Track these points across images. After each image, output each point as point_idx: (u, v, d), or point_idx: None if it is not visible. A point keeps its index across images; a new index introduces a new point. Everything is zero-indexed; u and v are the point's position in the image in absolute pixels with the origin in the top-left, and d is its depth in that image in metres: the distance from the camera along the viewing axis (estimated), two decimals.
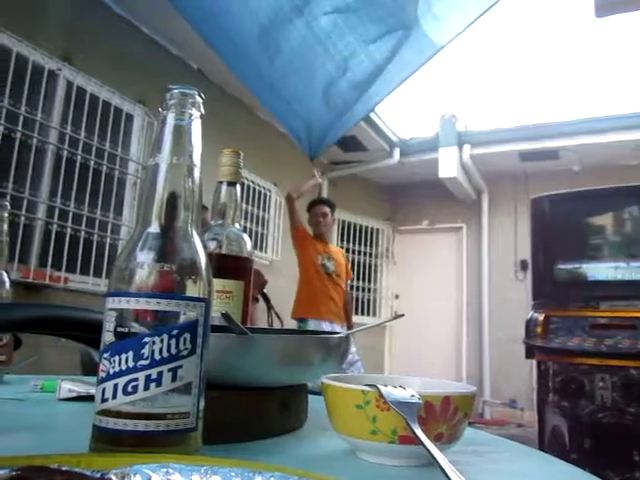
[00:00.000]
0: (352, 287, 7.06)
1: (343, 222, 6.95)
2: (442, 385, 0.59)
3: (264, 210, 5.65)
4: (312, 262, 3.86)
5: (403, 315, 0.78)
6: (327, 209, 3.95)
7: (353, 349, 3.67)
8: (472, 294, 6.80)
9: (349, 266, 4.02)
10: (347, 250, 6.89)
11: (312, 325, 3.74)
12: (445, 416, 0.51)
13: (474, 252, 6.89)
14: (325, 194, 6.62)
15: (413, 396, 0.51)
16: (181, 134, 0.49)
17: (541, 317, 2.56)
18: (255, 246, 5.39)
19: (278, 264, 5.70)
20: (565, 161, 5.99)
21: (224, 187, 0.93)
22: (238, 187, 0.94)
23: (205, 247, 0.59)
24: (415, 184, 7.06)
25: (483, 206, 6.88)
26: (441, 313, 6.87)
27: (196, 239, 0.49)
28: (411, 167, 6.60)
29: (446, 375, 6.42)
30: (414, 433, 0.48)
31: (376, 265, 7.21)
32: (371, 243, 7.17)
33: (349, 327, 3.87)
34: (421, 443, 0.47)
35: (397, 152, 6.44)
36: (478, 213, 6.91)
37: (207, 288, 0.48)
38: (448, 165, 6.10)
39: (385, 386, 0.52)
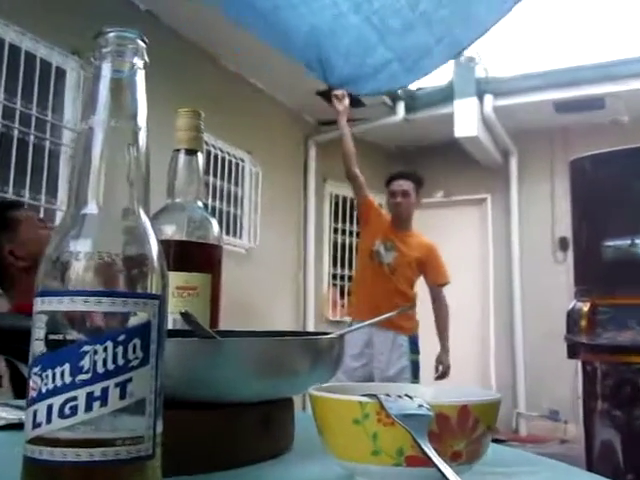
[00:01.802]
0: (350, 277, 7.11)
1: (336, 197, 6.95)
2: (458, 392, 0.60)
3: (236, 185, 5.63)
4: (367, 244, 3.91)
5: (409, 307, 0.79)
6: (409, 185, 3.93)
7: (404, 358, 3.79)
8: (500, 281, 6.85)
9: (440, 269, 3.94)
10: (342, 232, 6.91)
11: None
12: (463, 430, 0.52)
13: (501, 229, 6.93)
14: (312, 162, 6.62)
15: (422, 407, 0.52)
16: (120, 90, 0.49)
17: (586, 307, 2.57)
18: (226, 230, 5.39)
19: (257, 253, 5.71)
20: (611, 111, 6.01)
21: (181, 156, 0.93)
22: (200, 156, 0.94)
23: (159, 232, 0.59)
24: (425, 147, 7.07)
25: (511, 171, 6.91)
26: (462, 305, 6.88)
27: (145, 222, 0.49)
28: (420, 125, 6.59)
29: (469, 382, 6.48)
30: (424, 453, 0.49)
31: None
32: None
33: (443, 346, 3.95)
34: (433, 465, 0.47)
35: (402, 107, 6.43)
36: (505, 181, 6.94)
37: (161, 282, 0.49)
38: (466, 121, 6.10)
39: (388, 396, 0.53)
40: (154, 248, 0.49)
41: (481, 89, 6.18)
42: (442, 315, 3.96)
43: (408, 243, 3.87)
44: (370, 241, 3.88)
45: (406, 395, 0.54)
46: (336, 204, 7.00)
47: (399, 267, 3.82)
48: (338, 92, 4.00)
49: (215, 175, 5.35)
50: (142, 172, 0.50)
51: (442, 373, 3.94)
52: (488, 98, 6.18)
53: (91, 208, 0.48)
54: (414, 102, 6.47)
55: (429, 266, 3.90)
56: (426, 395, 0.59)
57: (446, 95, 6.24)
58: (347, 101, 4.05)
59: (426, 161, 7.16)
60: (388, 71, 3.42)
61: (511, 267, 6.81)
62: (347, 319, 4.16)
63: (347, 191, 6.97)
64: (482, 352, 6.88)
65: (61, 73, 4.13)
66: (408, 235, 3.91)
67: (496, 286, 6.90)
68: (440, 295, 3.96)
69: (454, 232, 7.14)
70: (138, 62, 0.50)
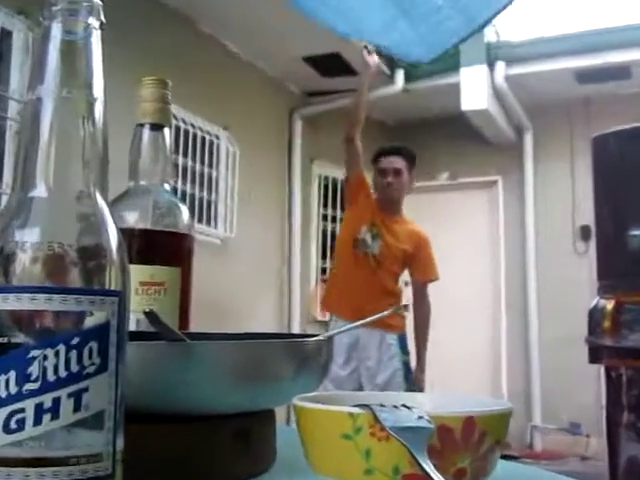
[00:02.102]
0: None
1: (325, 180, 6.96)
2: (463, 401, 0.60)
3: (210, 165, 5.62)
4: (352, 230, 3.88)
5: (407, 307, 0.80)
6: (402, 163, 3.87)
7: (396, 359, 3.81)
8: (513, 275, 6.89)
9: (431, 263, 3.93)
10: (333, 219, 6.92)
11: (332, 326, 3.82)
12: (468, 445, 0.52)
13: (515, 216, 6.96)
14: (298, 140, 6.61)
15: (422, 418, 0.52)
16: (73, 54, 0.49)
17: (610, 305, 2.58)
18: (199, 218, 5.38)
19: (233, 243, 5.71)
20: (639, 81, 6.03)
21: (145, 132, 0.93)
22: (167, 132, 0.94)
23: (120, 219, 0.59)
24: (428, 122, 7.07)
25: (526, 150, 6.93)
26: (469, 303, 6.95)
27: (103, 207, 0.49)
28: (421, 97, 6.59)
29: (477, 390, 6.52)
30: (424, 470, 0.49)
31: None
32: None
33: (419, 359, 3.93)
34: None
35: (401, 76, 6.43)
36: (519, 160, 6.96)
37: (122, 277, 0.49)
38: (474, 92, 6.11)
39: (382, 406, 0.53)
40: (113, 238, 0.49)
41: (491, 55, 6.19)
42: (424, 318, 3.91)
43: (396, 232, 3.84)
44: (355, 226, 3.84)
45: (403, 405, 0.55)
46: (325, 187, 7.00)
47: (385, 260, 3.79)
48: (369, 45, 3.99)
49: (185, 154, 5.34)
50: (99, 150, 0.49)
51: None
52: (500, 66, 6.18)
53: (40, 191, 0.47)
54: (415, 70, 6.46)
55: (418, 260, 3.87)
56: (426, 405, 0.60)
57: (451, 62, 6.23)
58: (376, 57, 4.03)
59: (429, 138, 7.16)
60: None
61: (525, 259, 6.84)
62: (327, 316, 4.14)
63: (338, 173, 6.97)
64: (492, 355, 6.92)
65: (6, 35, 4.10)
66: (396, 221, 3.88)
67: (508, 281, 6.93)
68: (425, 293, 3.94)
69: (460, 219, 7.16)
70: (93, 22, 0.50)
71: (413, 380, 3.87)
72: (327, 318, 4.10)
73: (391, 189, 3.82)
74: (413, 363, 3.91)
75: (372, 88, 6.46)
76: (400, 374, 3.79)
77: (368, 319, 0.82)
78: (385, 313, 0.80)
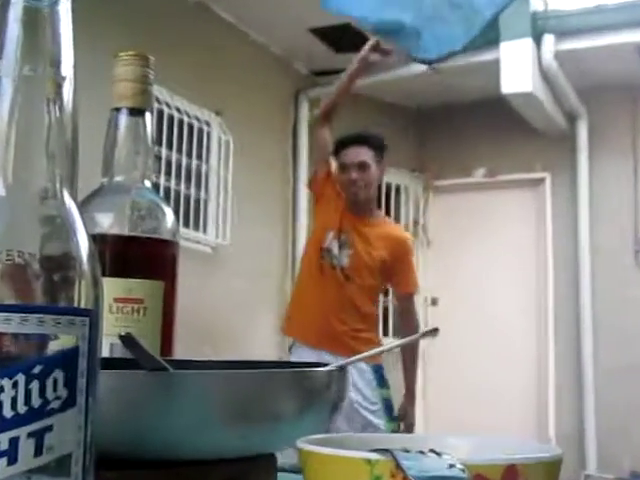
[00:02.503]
0: None
1: None
2: (501, 445, 0.60)
3: (199, 158, 5.64)
4: (317, 237, 3.91)
5: (437, 331, 0.79)
6: (367, 154, 3.85)
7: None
8: (563, 293, 6.87)
9: (411, 272, 3.94)
10: None
11: (294, 354, 3.82)
12: None
13: (565, 222, 6.94)
14: (304, 127, 6.62)
15: (453, 467, 0.52)
16: (37, 24, 0.49)
17: None
18: (185, 221, 5.39)
19: (227, 252, 5.71)
20: None
21: (123, 118, 0.93)
22: (149, 117, 0.94)
23: (92, 223, 0.58)
24: (460, 107, 7.07)
25: (579, 142, 6.92)
26: (510, 325, 6.93)
27: (71, 208, 0.49)
28: (452, 77, 6.59)
29: (519, 432, 6.49)
30: None
31: None
32: (387, 209, 7.18)
33: (408, 388, 3.96)
34: None
35: None
36: (571, 154, 6.95)
37: (93, 292, 0.48)
38: (517, 72, 6.10)
39: (406, 451, 0.53)
40: (83, 245, 0.49)
41: (538, 27, 6.18)
42: (410, 336, 3.93)
43: (368, 237, 3.82)
44: (322, 232, 3.85)
45: (431, 450, 0.54)
46: None
47: (355, 272, 3.77)
48: (384, 45, 3.99)
49: (170, 145, 5.36)
50: (67, 139, 0.49)
51: (404, 432, 3.90)
52: (548, 40, 6.17)
53: None
54: None
55: (397, 268, 3.86)
56: (458, 450, 0.59)
57: (490, 35, 6.23)
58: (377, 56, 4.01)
59: (462, 127, 7.17)
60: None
61: (578, 274, 6.82)
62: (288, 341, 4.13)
63: None
64: (537, 390, 6.90)
65: None
66: (368, 224, 3.86)
67: (557, 299, 6.91)
68: (411, 309, 3.95)
69: (499, 225, 7.15)
70: None
71: (398, 418, 3.90)
72: (288, 344, 4.08)
73: (356, 187, 3.80)
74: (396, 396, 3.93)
75: (390, 69, 6.50)
76: (381, 413, 3.78)
77: (393, 344, 0.81)
78: (417, 336, 0.79)
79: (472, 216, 7.13)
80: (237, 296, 5.69)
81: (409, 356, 3.93)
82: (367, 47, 3.92)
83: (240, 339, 5.64)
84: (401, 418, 3.92)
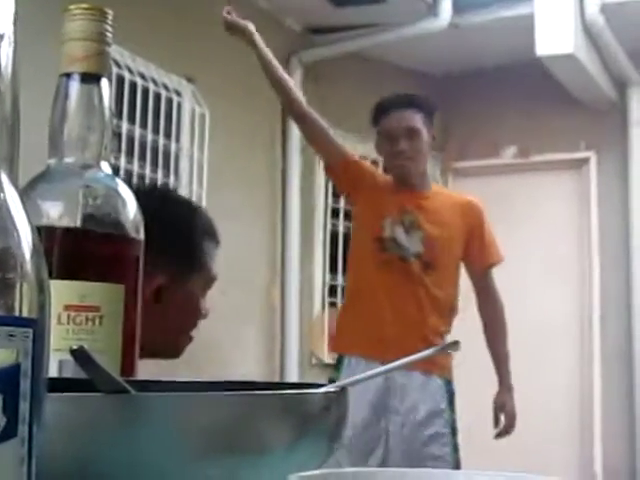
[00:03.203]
0: None
1: None
2: None
3: (168, 135, 5.63)
4: (368, 230, 3.90)
5: (458, 344, 0.79)
6: (416, 117, 3.87)
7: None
8: (611, 294, 6.88)
9: (491, 240, 3.98)
10: (346, 215, 6.92)
11: (345, 372, 3.79)
12: None
13: (614, 209, 6.95)
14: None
15: None
16: None
17: None
18: None
19: None
20: None
21: (74, 86, 0.93)
22: (106, 85, 0.94)
23: (37, 214, 0.58)
24: (486, 72, 7.07)
25: (631, 114, 6.93)
26: (546, 334, 6.93)
27: (11, 196, 0.49)
28: (478, 36, 6.60)
29: (560, 465, 6.50)
30: None
31: None
32: None
33: (502, 378, 4.05)
34: None
35: (447, 4, 6.44)
36: (621, 130, 6.96)
37: (38, 297, 0.48)
38: (555, 29, 6.10)
39: None
40: (26, 240, 0.48)
41: None
42: (499, 321, 4.04)
43: (435, 211, 3.86)
44: (374, 222, 3.85)
45: None
46: None
47: (435, 257, 3.80)
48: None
49: (132, 118, 5.35)
50: (5, 112, 0.49)
51: (506, 426, 4.01)
52: None
53: None
54: None
55: (474, 239, 3.91)
56: None
57: None
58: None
59: (487, 97, 7.17)
60: None
61: (629, 271, 6.84)
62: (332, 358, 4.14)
63: (358, 144, 6.98)
64: (580, 414, 6.91)
65: None
66: (430, 197, 3.90)
67: (605, 304, 6.92)
68: (491, 284, 4.02)
69: (533, 214, 7.16)
70: None
71: (495, 409, 4.03)
72: (334, 361, 4.08)
73: (405, 159, 3.82)
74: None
75: (406, 25, 6.50)
76: (447, 444, 3.78)
77: (408, 359, 0.81)
78: (436, 350, 0.79)
79: (500, 204, 7.10)
80: (215, 305, 5.68)
81: (500, 337, 4.04)
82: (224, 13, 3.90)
83: (218, 354, 5.64)
84: (499, 409, 4.02)
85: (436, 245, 3.79)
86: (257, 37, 3.89)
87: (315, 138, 4.01)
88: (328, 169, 4.13)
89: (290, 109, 4.06)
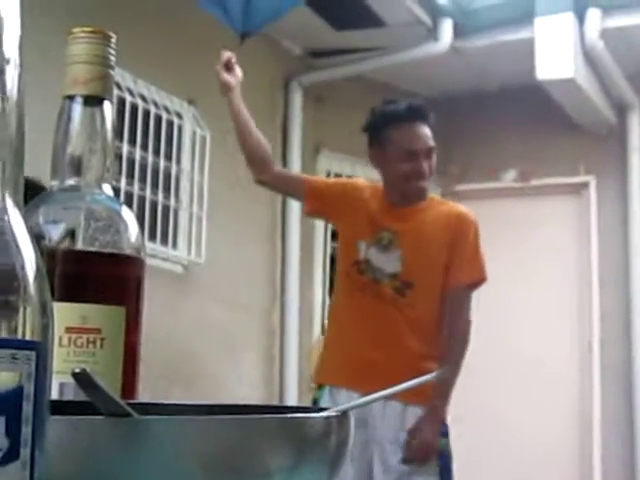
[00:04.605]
0: None
1: (337, 177, 6.92)
2: None
3: (169, 158, 5.64)
4: (346, 254, 3.78)
5: (442, 374, 0.79)
6: (429, 133, 3.68)
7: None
8: (611, 318, 6.86)
9: (475, 256, 3.67)
10: None
11: (325, 400, 3.67)
12: None
13: (614, 235, 6.95)
14: (297, 120, 6.62)
15: None
16: None
17: None
18: (152, 235, 5.38)
19: (202, 272, 5.71)
20: None
21: (77, 108, 0.93)
22: (108, 108, 0.94)
23: (40, 236, 0.58)
24: (487, 96, 7.08)
25: (631, 139, 6.93)
26: (546, 357, 6.91)
27: (14, 217, 0.49)
28: (478, 60, 6.61)
29: None
30: None
31: None
32: None
33: (438, 396, 3.59)
34: None
35: (448, 28, 6.45)
36: (621, 154, 6.96)
37: (41, 320, 0.48)
38: (556, 54, 6.12)
39: None
40: (30, 262, 0.48)
41: (581, 0, 6.20)
42: (459, 336, 3.66)
43: (419, 225, 3.67)
44: (349, 246, 3.74)
45: None
46: None
47: (414, 275, 3.60)
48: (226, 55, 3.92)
49: (133, 141, 5.36)
50: (11, 134, 0.49)
51: (413, 451, 3.61)
52: (593, 15, 6.19)
53: None
54: (469, 20, 6.49)
55: (456, 252, 3.64)
56: None
57: (522, 10, 6.26)
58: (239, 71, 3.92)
59: (488, 121, 7.18)
60: None
61: (630, 299, 6.82)
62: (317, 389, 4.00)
63: (355, 167, 6.99)
64: (580, 438, 6.88)
65: None
66: (417, 210, 3.70)
67: (604, 326, 6.90)
68: (465, 303, 3.70)
69: (533, 239, 7.15)
70: None
71: (408, 433, 3.61)
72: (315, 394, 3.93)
73: (422, 180, 3.66)
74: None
75: (406, 48, 6.52)
76: (433, 471, 3.59)
77: (397, 388, 0.80)
78: (425, 378, 0.79)
79: (500, 228, 7.11)
80: (213, 326, 5.68)
81: (455, 355, 3.62)
82: (218, 67, 3.90)
83: (216, 377, 5.63)
84: (413, 435, 3.59)
85: (415, 263, 3.62)
86: (237, 94, 3.97)
87: (291, 189, 4.04)
88: (306, 204, 3.99)
89: (254, 173, 3.96)
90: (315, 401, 3.76)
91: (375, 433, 3.64)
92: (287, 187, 4.03)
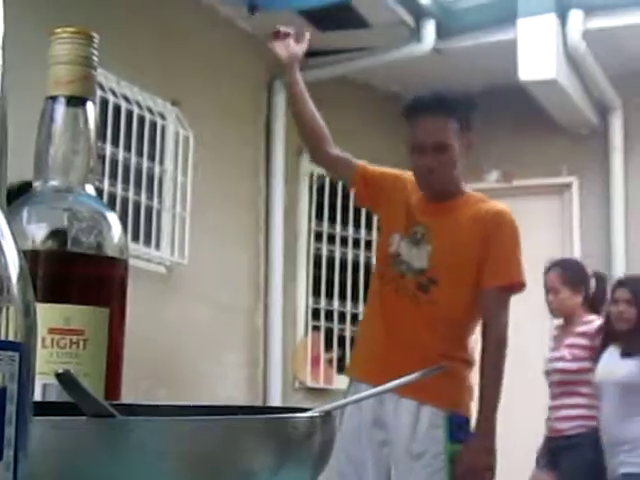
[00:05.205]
0: (344, 315, 7.08)
1: (320, 180, 6.95)
2: None
3: (152, 158, 5.63)
4: (381, 247, 3.73)
5: (444, 368, 0.79)
6: (447, 127, 3.54)
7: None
8: None
9: (513, 258, 3.51)
10: (330, 238, 6.91)
11: (350, 393, 3.60)
12: None
13: (597, 235, 6.96)
14: (281, 121, 6.62)
15: None
16: None
17: None
18: (135, 235, 5.37)
19: (185, 273, 5.70)
20: None
21: (59, 109, 0.92)
22: (91, 108, 0.94)
23: (22, 237, 0.58)
24: (469, 98, 7.07)
25: (613, 139, 6.95)
26: (532, 365, 6.92)
27: None
28: (460, 61, 6.61)
29: None
30: None
31: None
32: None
33: (484, 421, 3.47)
34: None
35: (431, 29, 6.46)
36: (603, 155, 6.97)
37: (24, 321, 0.48)
38: (538, 55, 6.13)
39: None
40: (13, 263, 0.48)
41: (564, 2, 6.22)
42: (496, 342, 3.48)
43: (453, 222, 3.55)
44: (385, 239, 3.67)
45: None
46: (320, 192, 7.00)
47: (440, 272, 3.48)
48: (282, 28, 3.88)
49: (116, 141, 5.35)
50: None
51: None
52: (575, 16, 6.21)
53: None
54: (452, 21, 6.49)
55: (491, 254, 3.49)
56: None
57: (504, 11, 6.27)
58: (297, 47, 3.83)
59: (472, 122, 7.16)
60: None
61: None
62: (343, 383, 4.01)
63: None
64: None
65: None
66: (453, 207, 3.60)
67: None
68: (504, 306, 3.52)
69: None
70: None
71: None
72: (331, 386, 3.98)
73: (429, 174, 3.54)
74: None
75: (389, 49, 6.52)
76: (442, 476, 3.41)
77: (394, 384, 0.80)
78: (423, 373, 0.79)
79: None
80: (197, 327, 5.67)
81: (489, 370, 3.47)
82: (278, 44, 3.87)
83: (200, 378, 5.63)
84: (461, 458, 3.42)
85: (443, 260, 3.50)
86: (293, 69, 3.89)
87: (344, 174, 3.91)
88: (352, 190, 4.00)
89: (318, 157, 3.93)
90: (345, 394, 3.68)
91: (389, 434, 3.54)
92: (340, 171, 3.92)
